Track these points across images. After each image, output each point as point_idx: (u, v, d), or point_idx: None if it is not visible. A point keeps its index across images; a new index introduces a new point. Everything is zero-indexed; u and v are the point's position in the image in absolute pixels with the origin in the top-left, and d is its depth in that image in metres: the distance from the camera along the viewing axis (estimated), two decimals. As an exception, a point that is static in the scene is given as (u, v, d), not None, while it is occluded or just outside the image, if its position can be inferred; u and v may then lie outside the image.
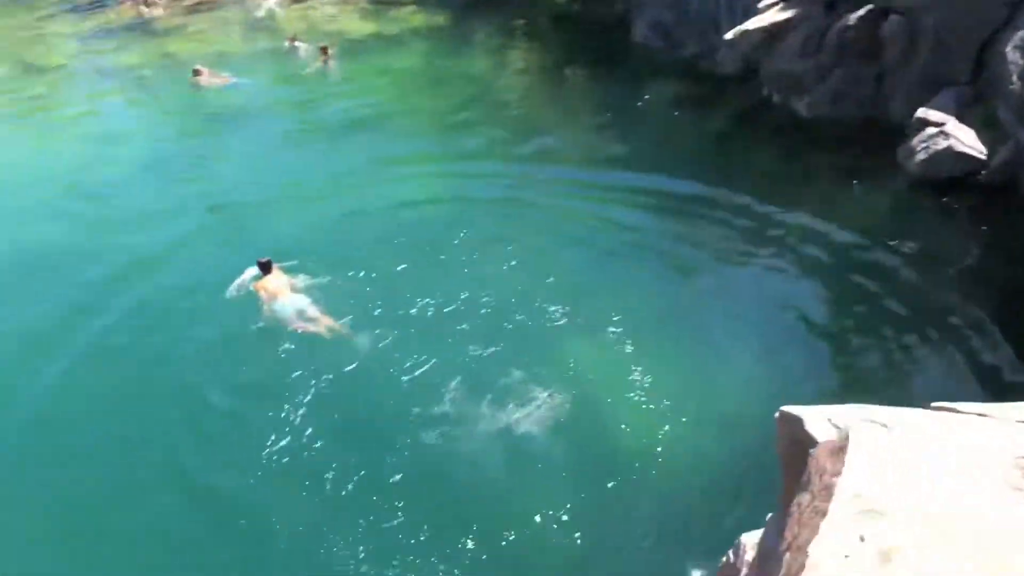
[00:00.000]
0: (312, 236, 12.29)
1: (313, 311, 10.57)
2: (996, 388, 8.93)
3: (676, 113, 16.14)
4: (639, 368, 9.42)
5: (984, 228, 11.72)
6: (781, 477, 4.30)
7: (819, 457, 3.17)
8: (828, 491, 2.92)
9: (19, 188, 14.44)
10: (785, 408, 3.67)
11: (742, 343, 9.87)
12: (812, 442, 3.32)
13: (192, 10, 23.84)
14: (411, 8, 22.67)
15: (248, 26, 22.58)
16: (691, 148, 14.76)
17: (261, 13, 23.22)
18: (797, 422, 3.47)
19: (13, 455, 8.85)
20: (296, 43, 20.51)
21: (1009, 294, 10.50)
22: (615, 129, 15.67)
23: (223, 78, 18.89)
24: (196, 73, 18.82)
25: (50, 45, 21.86)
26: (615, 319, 10.18)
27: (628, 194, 13.26)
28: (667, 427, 8.66)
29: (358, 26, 22.00)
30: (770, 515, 4.43)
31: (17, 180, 14.75)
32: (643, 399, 9.00)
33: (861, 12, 14.02)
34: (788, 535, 3.24)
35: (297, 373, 9.53)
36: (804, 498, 3.06)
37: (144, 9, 23.56)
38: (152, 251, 12.07)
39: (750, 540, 4.32)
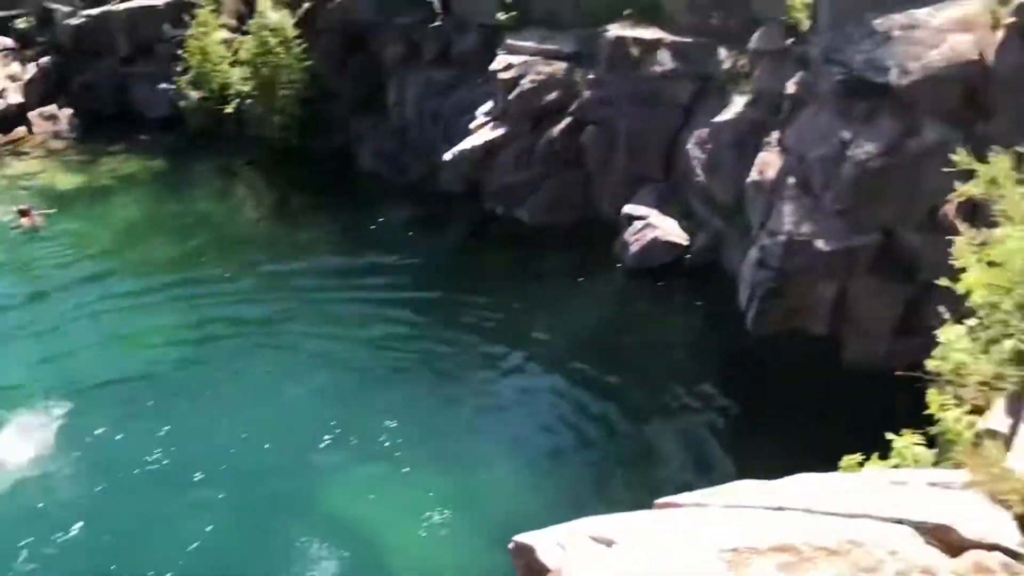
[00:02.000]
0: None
1: None
2: (736, 459, 9.76)
3: (410, 233, 16.50)
4: (406, 497, 9.35)
5: (698, 303, 13.02)
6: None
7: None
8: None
9: None
10: (519, 537, 3.62)
11: (497, 452, 10.11)
12: (545, 571, 3.34)
13: None
14: (123, 156, 21.42)
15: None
16: (428, 265, 15.10)
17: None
18: (530, 551, 3.49)
19: None
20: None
21: (728, 358, 11.64)
22: (353, 254, 15.80)
23: None
24: None
25: None
26: (369, 447, 10.13)
27: (368, 314, 13.50)
28: (445, 552, 8.58)
29: (66, 180, 20.53)
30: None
31: None
32: (418, 528, 8.90)
33: (561, 125, 15.25)
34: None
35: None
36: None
37: None
38: None
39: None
